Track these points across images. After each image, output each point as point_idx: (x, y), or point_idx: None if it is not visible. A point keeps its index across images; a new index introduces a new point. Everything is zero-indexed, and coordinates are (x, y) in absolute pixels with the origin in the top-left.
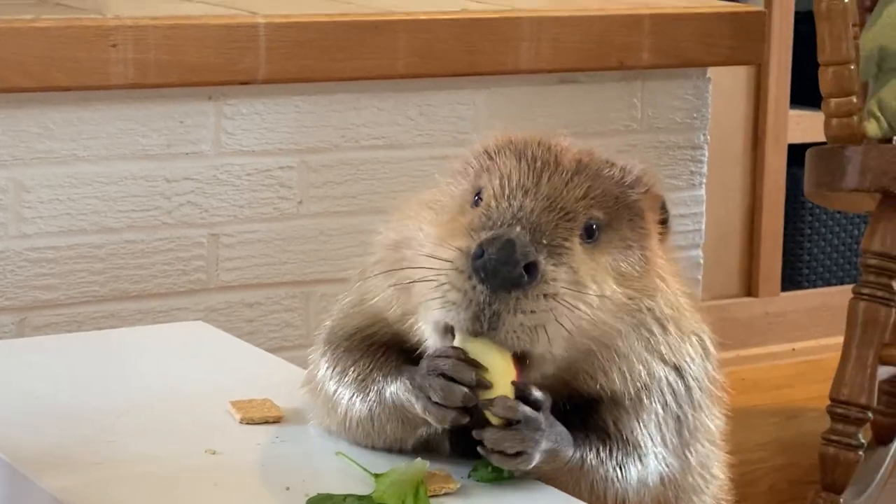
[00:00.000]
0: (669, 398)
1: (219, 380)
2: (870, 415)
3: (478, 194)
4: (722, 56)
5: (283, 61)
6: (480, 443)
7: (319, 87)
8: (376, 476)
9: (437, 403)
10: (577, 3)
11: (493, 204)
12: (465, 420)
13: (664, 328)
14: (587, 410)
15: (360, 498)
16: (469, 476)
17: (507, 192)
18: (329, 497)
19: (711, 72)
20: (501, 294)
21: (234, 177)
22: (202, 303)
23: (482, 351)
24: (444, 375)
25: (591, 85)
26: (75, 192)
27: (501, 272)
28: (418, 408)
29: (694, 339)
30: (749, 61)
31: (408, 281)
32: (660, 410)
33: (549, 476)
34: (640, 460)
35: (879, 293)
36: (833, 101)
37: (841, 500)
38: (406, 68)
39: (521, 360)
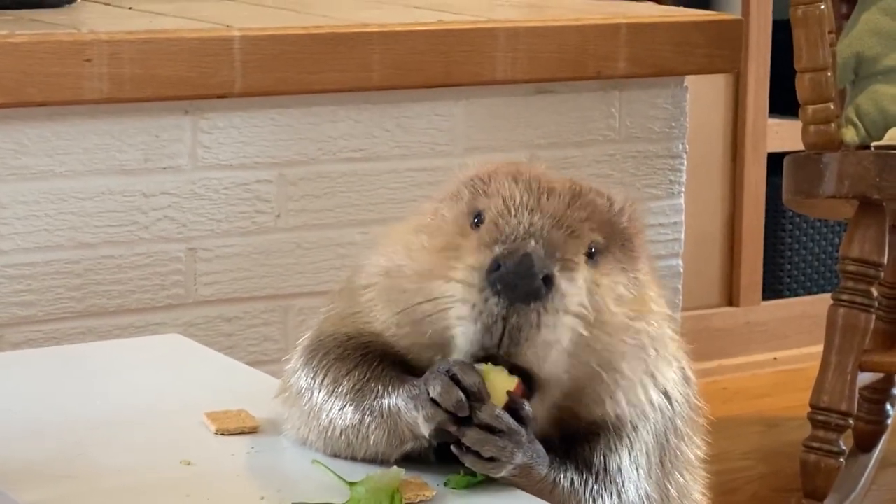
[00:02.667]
0: (660, 425)
1: (194, 391)
2: (850, 421)
3: (477, 216)
4: (699, 65)
5: (258, 74)
6: (457, 442)
7: (296, 100)
8: (351, 484)
9: (432, 400)
10: (553, 13)
11: (500, 221)
12: (452, 429)
13: (657, 352)
14: (573, 443)
15: None
16: (445, 484)
17: (512, 210)
18: None
19: (690, 81)
20: (520, 307)
21: (212, 191)
22: (180, 318)
23: (492, 370)
24: (448, 373)
25: (569, 95)
26: (51, 208)
27: (521, 285)
28: (412, 406)
29: (676, 365)
30: (726, 70)
31: (415, 309)
32: (650, 440)
33: (521, 488)
34: (618, 495)
35: (859, 299)
36: (810, 107)
37: None
38: (382, 80)
39: (527, 383)
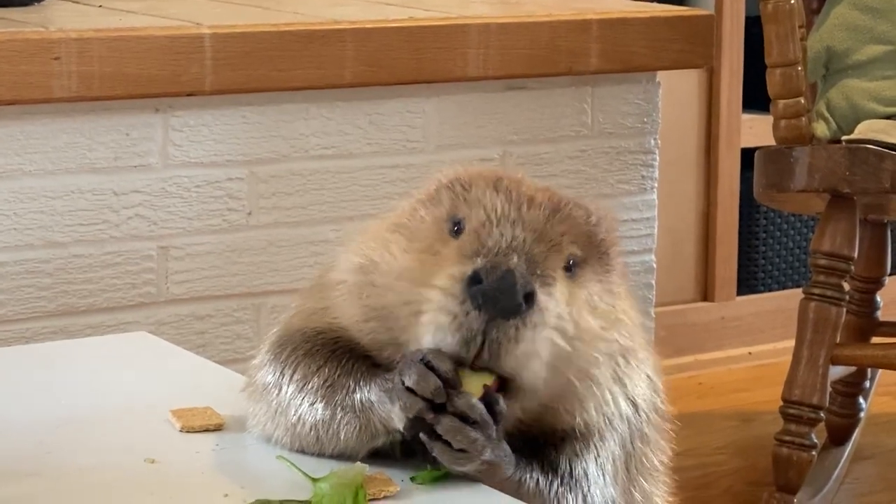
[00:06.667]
0: (626, 433)
1: (160, 389)
2: (822, 415)
3: (457, 224)
4: (671, 60)
5: (229, 72)
6: (429, 430)
7: (267, 98)
8: (315, 480)
9: (408, 389)
10: (524, 9)
11: (482, 232)
12: (429, 417)
13: (627, 361)
14: (539, 447)
15: (298, 503)
16: (412, 479)
17: (494, 221)
18: (267, 503)
19: (664, 77)
20: (499, 322)
21: (183, 189)
22: (152, 316)
23: (465, 371)
24: (422, 360)
25: (541, 91)
26: (21, 207)
27: (501, 301)
28: (386, 399)
29: (645, 372)
30: (698, 65)
31: (385, 307)
32: (617, 448)
33: (486, 484)
34: (583, 498)
35: (830, 293)
36: (781, 102)
37: (795, 500)
38: (354, 77)
39: (504, 385)
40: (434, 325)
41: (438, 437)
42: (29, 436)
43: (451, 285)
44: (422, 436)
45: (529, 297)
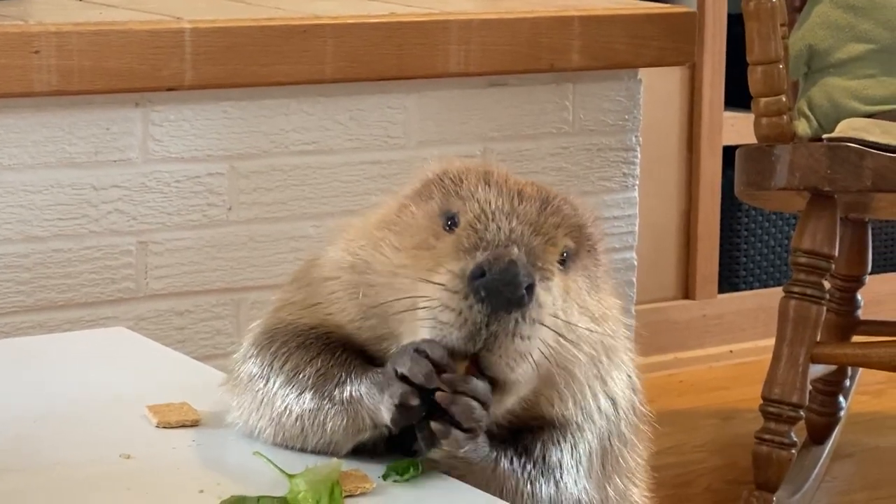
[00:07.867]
0: (604, 430)
1: (137, 384)
2: (802, 413)
3: (451, 219)
4: (653, 57)
5: (210, 67)
6: (431, 412)
7: (248, 93)
8: (291, 476)
9: (402, 377)
10: (506, 5)
11: (478, 225)
12: (415, 402)
13: (609, 359)
14: (515, 434)
15: (274, 499)
16: (383, 478)
17: (489, 214)
18: (242, 499)
19: (646, 74)
20: (501, 315)
21: (163, 184)
22: (131, 311)
23: None
24: (416, 350)
25: (522, 88)
26: None
27: (504, 292)
28: (376, 391)
29: (626, 372)
30: (680, 62)
31: (393, 309)
32: (595, 442)
33: (460, 475)
34: (556, 483)
35: (810, 291)
36: (763, 100)
37: (774, 498)
38: (335, 73)
39: (491, 383)
40: (435, 322)
41: (445, 422)
42: (5, 431)
43: (452, 281)
44: (433, 424)
45: (530, 289)
